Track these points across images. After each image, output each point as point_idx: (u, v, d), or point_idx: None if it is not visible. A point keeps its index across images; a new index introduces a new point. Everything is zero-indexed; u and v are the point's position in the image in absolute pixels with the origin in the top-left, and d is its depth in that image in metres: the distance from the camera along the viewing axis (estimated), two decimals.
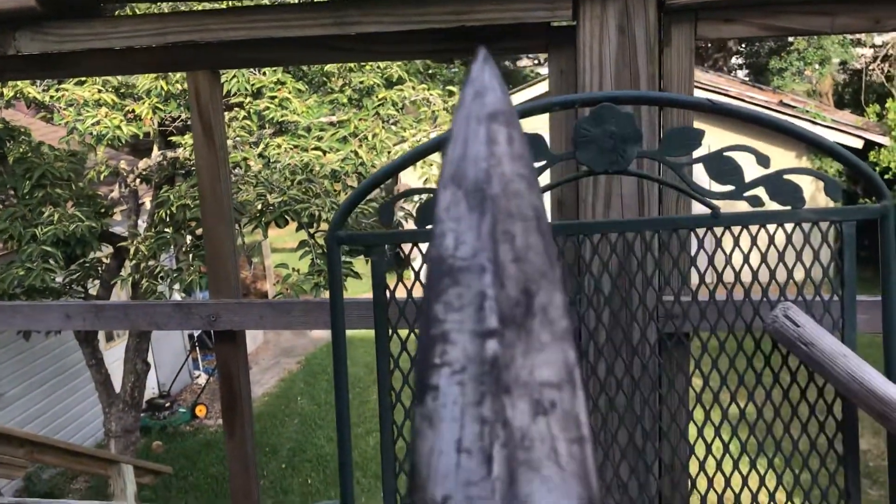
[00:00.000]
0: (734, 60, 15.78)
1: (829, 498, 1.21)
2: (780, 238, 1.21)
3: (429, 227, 1.20)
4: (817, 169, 8.62)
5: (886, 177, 9.23)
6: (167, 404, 7.91)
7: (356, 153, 4.21)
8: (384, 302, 1.21)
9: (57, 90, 4.34)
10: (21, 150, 4.62)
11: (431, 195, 1.18)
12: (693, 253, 1.23)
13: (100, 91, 4.33)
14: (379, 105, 4.45)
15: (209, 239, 1.68)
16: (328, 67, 4.50)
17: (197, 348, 8.81)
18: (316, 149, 4.28)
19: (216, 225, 1.66)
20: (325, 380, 8.75)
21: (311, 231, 4.31)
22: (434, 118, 4.79)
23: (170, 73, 4.16)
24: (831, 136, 8.63)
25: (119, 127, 4.28)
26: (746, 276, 1.22)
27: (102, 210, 5.25)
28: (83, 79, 4.33)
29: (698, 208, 1.26)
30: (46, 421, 7.24)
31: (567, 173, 1.26)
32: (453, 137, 0.39)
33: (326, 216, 3.96)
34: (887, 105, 9.74)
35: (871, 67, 12.61)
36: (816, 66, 12.59)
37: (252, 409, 1.79)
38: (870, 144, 9.44)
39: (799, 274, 1.22)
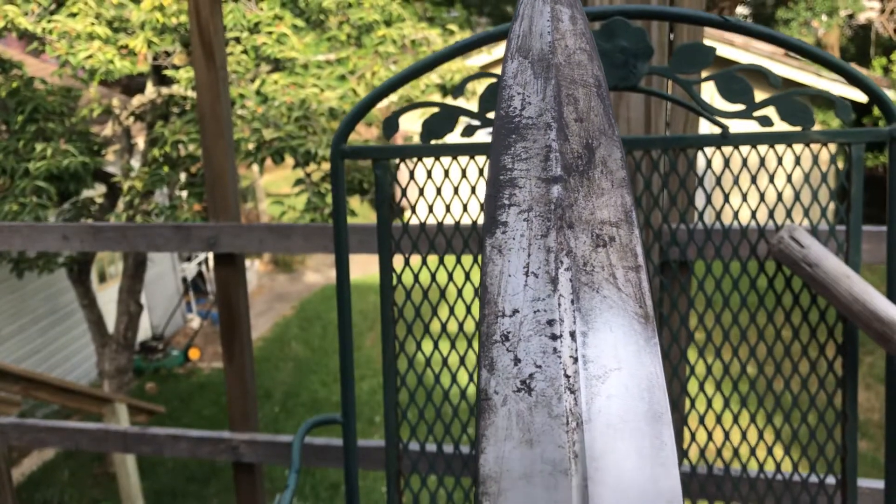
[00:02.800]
0: (739, 10, 15.60)
1: (826, 419, 1.22)
2: (788, 162, 1.20)
3: (433, 142, 1.18)
4: (821, 124, 8.59)
5: None
6: (160, 347, 7.94)
7: (354, 91, 4.16)
8: (388, 217, 1.20)
9: (49, 21, 4.25)
10: (14, 85, 4.54)
11: (438, 109, 1.16)
12: (701, 173, 1.22)
13: (93, 24, 4.24)
14: (378, 43, 4.37)
15: (208, 161, 1.66)
16: (326, 3, 4.41)
17: (190, 292, 8.82)
18: (313, 86, 4.23)
19: (215, 146, 1.64)
20: (319, 325, 8.79)
21: (308, 170, 4.28)
22: None
23: (166, 4, 4.08)
24: (836, 89, 8.57)
25: (112, 61, 4.21)
26: (754, 201, 1.21)
27: (96, 148, 5.19)
28: (75, 10, 4.24)
29: (706, 132, 1.24)
30: (40, 360, 7.27)
31: None
32: (519, 16, 0.44)
33: (323, 153, 3.92)
34: (893, 59, 9.66)
35: (878, 21, 12.48)
36: (824, 17, 12.44)
37: (251, 334, 1.79)
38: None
39: (806, 198, 1.21)
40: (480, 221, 1.28)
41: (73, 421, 7.46)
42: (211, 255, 8.53)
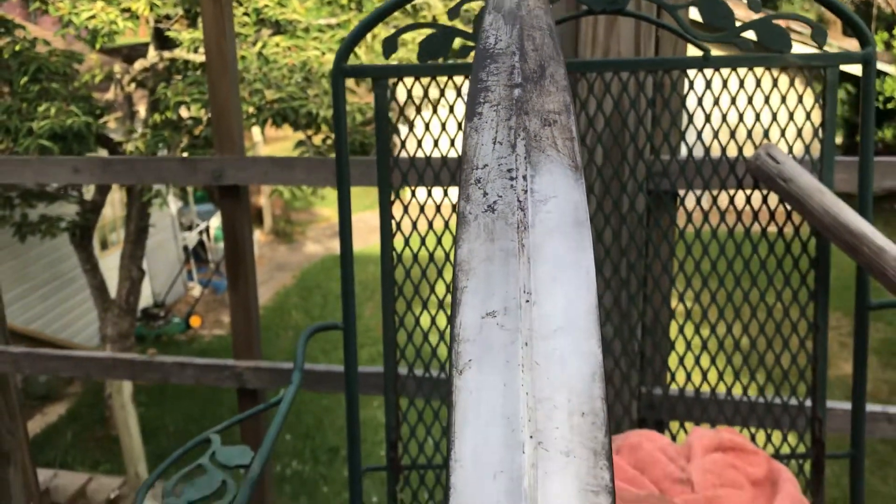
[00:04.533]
0: None
1: (799, 330, 1.29)
2: (766, 85, 1.27)
3: (430, 62, 1.24)
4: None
5: (890, 105, 9.26)
6: (162, 314, 8.02)
7: (356, 54, 4.20)
8: (387, 133, 1.26)
9: None
10: (17, 48, 4.59)
11: (434, 30, 1.22)
12: (684, 94, 1.29)
13: None
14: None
15: (213, 96, 1.72)
16: None
17: (191, 260, 8.89)
18: (315, 49, 4.27)
19: (220, 81, 1.70)
20: (319, 295, 8.87)
21: (309, 133, 4.33)
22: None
23: None
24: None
25: (115, 22, 4.25)
26: (734, 123, 1.28)
27: (98, 112, 5.24)
28: None
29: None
30: (43, 325, 7.35)
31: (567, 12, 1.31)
32: None
33: (325, 114, 3.98)
34: (895, 34, 9.68)
35: None
36: None
37: (255, 264, 1.86)
38: (876, 73, 9.41)
39: (783, 119, 1.28)
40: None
41: (76, 386, 7.57)
42: (212, 224, 8.57)
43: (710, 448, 1.21)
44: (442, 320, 1.32)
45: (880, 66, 9.50)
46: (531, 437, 0.36)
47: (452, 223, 1.38)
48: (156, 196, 5.07)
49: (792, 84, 1.26)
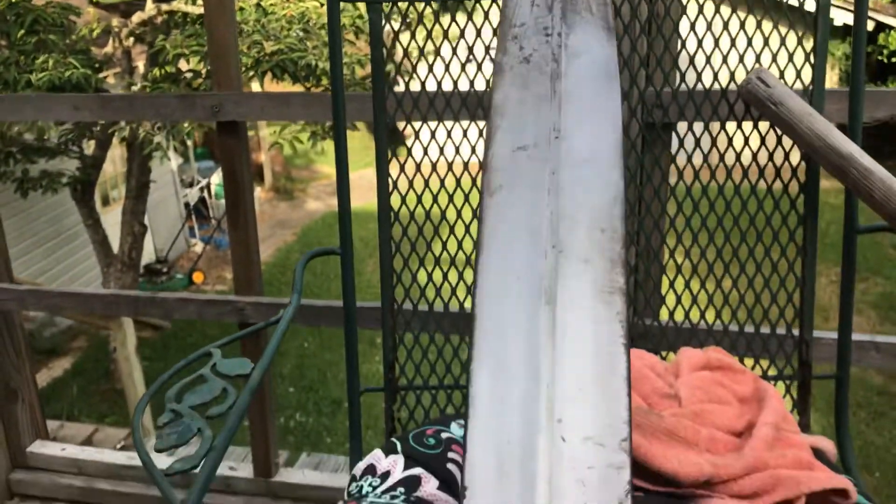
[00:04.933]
0: None
1: (788, 253, 1.32)
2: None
3: None
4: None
5: (894, 59, 9.18)
6: (164, 270, 8.06)
7: (354, 5, 4.17)
8: (382, 59, 1.28)
9: None
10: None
11: None
12: (677, 19, 1.30)
13: None
14: None
15: (211, 33, 1.73)
16: None
17: (193, 217, 8.91)
18: (313, 0, 4.24)
19: (219, 18, 1.70)
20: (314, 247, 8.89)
21: (308, 85, 4.32)
22: None
23: None
24: (841, 16, 8.51)
25: None
26: (729, 57, 1.29)
27: (97, 66, 5.22)
28: None
29: None
30: (47, 281, 7.40)
31: None
32: None
33: (324, 66, 3.96)
34: None
35: None
36: None
37: (254, 201, 1.88)
38: (880, 26, 9.33)
39: (775, 46, 1.29)
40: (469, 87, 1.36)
41: (80, 340, 7.65)
42: (213, 179, 8.56)
43: (699, 366, 1.24)
44: (438, 247, 1.35)
45: (886, 19, 9.40)
46: (553, 246, 0.39)
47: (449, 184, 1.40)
48: (156, 149, 5.07)
49: (784, 11, 1.27)
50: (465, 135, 1.35)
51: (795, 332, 1.34)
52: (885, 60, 9.36)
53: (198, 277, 8.14)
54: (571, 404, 0.32)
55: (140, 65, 6.27)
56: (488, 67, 1.32)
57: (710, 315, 1.40)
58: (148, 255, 8.19)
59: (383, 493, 1.14)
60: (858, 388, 6.38)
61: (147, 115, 1.77)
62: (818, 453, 1.18)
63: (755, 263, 1.32)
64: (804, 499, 1.03)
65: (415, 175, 1.35)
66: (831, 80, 9.99)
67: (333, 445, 5.95)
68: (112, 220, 7.51)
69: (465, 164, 1.34)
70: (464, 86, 1.34)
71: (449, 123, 1.35)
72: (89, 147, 6.36)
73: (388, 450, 1.21)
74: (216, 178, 9.51)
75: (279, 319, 1.18)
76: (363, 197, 9.17)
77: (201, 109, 1.73)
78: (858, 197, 1.24)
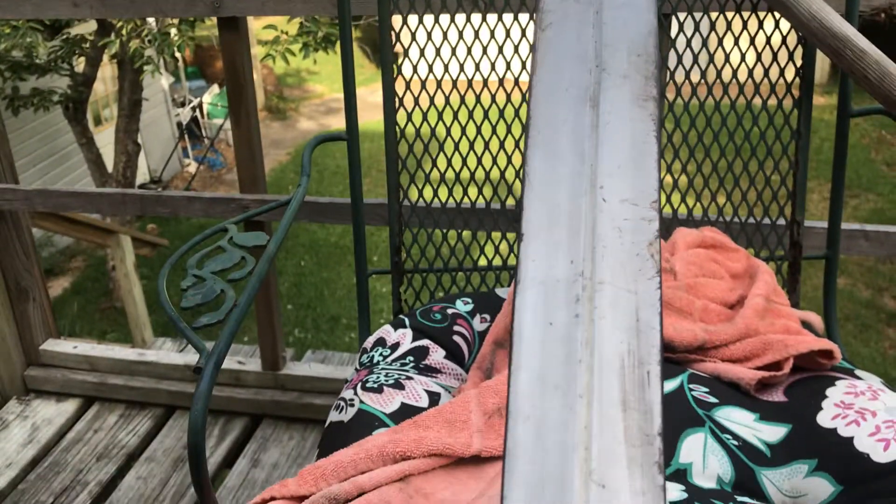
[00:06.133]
0: None
1: (783, 137, 1.35)
2: None
3: None
4: None
5: None
6: (159, 189, 8.05)
7: None
8: None
9: None
10: None
11: None
12: None
13: None
14: None
15: None
16: None
17: (186, 137, 8.86)
18: None
19: None
20: (314, 171, 8.89)
21: None
22: None
23: None
24: None
25: None
26: None
27: None
28: None
29: None
30: None
31: None
32: None
33: None
34: None
35: None
36: None
37: (256, 98, 1.89)
38: None
39: None
40: None
41: (77, 261, 7.70)
42: (205, 99, 8.47)
43: (694, 244, 1.30)
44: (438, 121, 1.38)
45: None
46: (597, 66, 0.44)
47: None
48: (147, 63, 5.02)
49: None
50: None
51: (788, 205, 1.39)
52: None
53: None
54: (610, 177, 0.37)
55: None
56: None
57: (706, 201, 1.45)
58: (142, 176, 8.18)
59: (393, 361, 1.21)
60: (846, 301, 6.51)
61: (147, 12, 1.77)
62: (806, 326, 1.24)
63: (750, 147, 1.36)
64: (792, 361, 1.10)
65: (418, 61, 1.37)
66: None
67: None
68: (105, 140, 7.47)
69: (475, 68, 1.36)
70: None
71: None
72: (79, 64, 6.29)
73: (397, 325, 1.27)
74: (208, 98, 9.42)
75: (290, 200, 1.22)
76: (358, 117, 9.13)
77: (202, 5, 1.73)
78: (853, 79, 1.26)
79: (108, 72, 7.94)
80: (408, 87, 1.38)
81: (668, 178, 1.47)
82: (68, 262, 7.71)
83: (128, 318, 6.02)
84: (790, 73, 1.33)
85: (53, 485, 1.91)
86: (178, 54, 5.24)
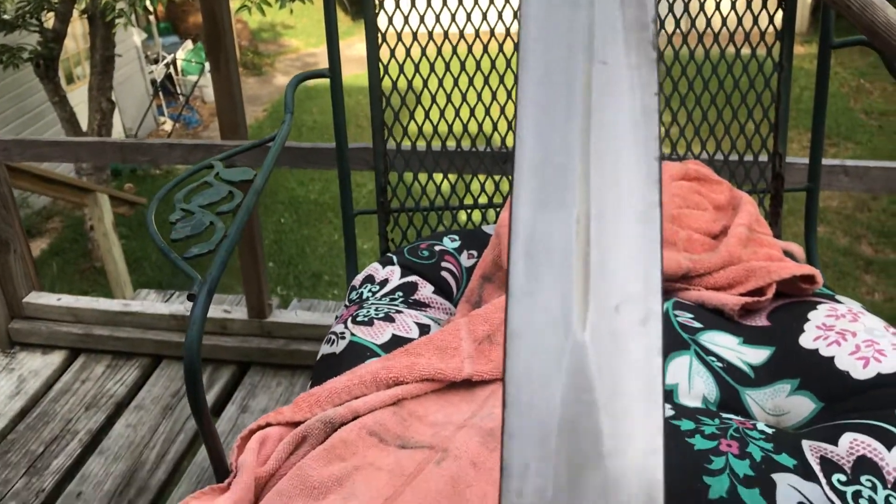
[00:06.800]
0: None
1: (765, 70, 1.36)
2: None
3: None
4: None
5: None
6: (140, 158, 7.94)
7: None
8: None
9: None
10: None
11: None
12: None
13: None
14: None
15: None
16: None
17: (160, 94, 8.73)
18: None
19: None
20: (293, 128, 8.80)
21: None
22: None
23: None
24: None
25: None
26: None
27: None
28: None
29: None
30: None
31: None
32: None
33: None
34: None
35: None
36: None
37: (235, 45, 1.87)
38: None
39: None
40: None
41: (55, 222, 7.62)
42: (179, 55, 8.32)
43: (677, 176, 1.31)
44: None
45: None
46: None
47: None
48: (119, 16, 4.92)
49: None
50: None
51: (770, 147, 1.41)
52: None
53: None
54: (609, 87, 0.35)
55: None
56: None
57: (689, 135, 1.45)
58: (117, 134, 8.06)
59: (383, 297, 1.22)
60: (825, 249, 6.59)
61: None
62: (788, 256, 1.26)
63: (733, 81, 1.37)
64: (775, 287, 1.12)
65: None
66: None
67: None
68: (78, 98, 7.34)
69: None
70: None
71: None
72: (48, 20, 6.15)
73: (385, 262, 1.27)
74: (182, 54, 9.26)
75: (275, 136, 1.21)
76: (344, 70, 9.02)
77: None
78: (835, 9, 1.27)
79: (78, 28, 7.77)
80: (390, 21, 1.37)
81: None
82: (45, 224, 7.63)
83: (108, 278, 5.98)
84: (773, 5, 1.33)
85: (43, 434, 1.91)
86: (150, 6, 5.13)
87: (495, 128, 1.42)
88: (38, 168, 5.80)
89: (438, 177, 1.44)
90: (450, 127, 1.43)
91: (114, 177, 7.70)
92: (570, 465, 0.26)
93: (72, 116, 6.44)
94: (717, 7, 1.34)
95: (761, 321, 1.10)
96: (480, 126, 1.45)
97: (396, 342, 1.07)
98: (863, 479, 0.80)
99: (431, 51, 1.38)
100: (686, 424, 0.87)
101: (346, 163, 1.39)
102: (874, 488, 0.79)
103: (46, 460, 1.84)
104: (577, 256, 0.29)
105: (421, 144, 1.44)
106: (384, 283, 1.23)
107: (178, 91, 8.94)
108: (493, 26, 1.38)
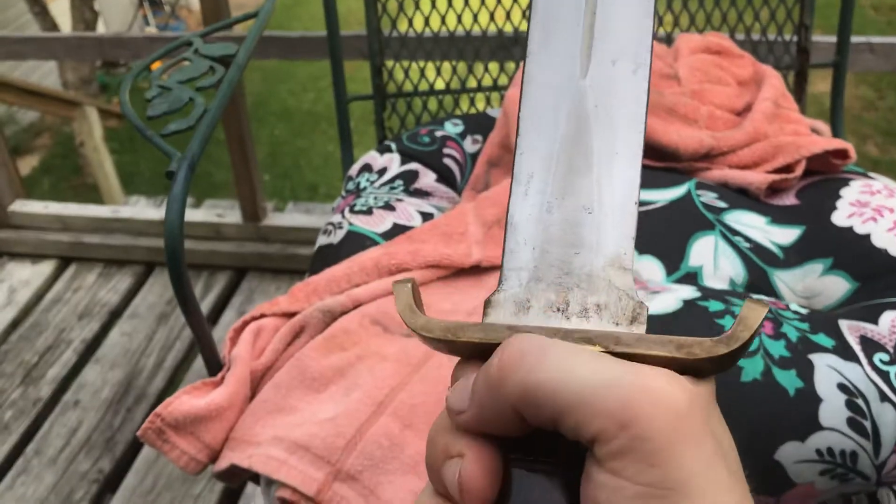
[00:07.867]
0: None
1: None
2: None
3: None
4: None
5: None
6: (122, 61, 7.73)
7: None
8: None
9: None
10: None
11: None
12: None
13: None
14: None
15: None
16: None
17: (146, 4, 8.43)
18: None
19: None
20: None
21: None
22: None
23: None
24: None
25: None
26: None
27: None
28: None
29: None
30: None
31: None
32: None
33: None
34: None
35: None
36: None
37: None
38: None
39: None
40: None
41: (44, 138, 7.47)
42: None
43: (698, 49, 1.21)
44: None
45: None
46: None
47: None
48: None
49: None
50: None
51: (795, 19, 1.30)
52: None
53: (155, 66, 7.82)
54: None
55: None
56: None
57: (709, 7, 1.35)
58: None
59: (382, 185, 1.13)
60: None
61: None
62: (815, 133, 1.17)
63: None
64: (804, 163, 1.04)
65: None
66: None
67: None
68: (59, 10, 7.07)
69: None
70: None
71: None
72: None
73: (383, 150, 1.18)
74: None
75: (259, 11, 1.11)
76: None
77: None
78: None
79: None
80: None
81: None
82: (34, 140, 7.48)
83: (101, 194, 5.89)
84: None
85: (37, 344, 1.86)
86: None
87: (492, 18, 1.31)
88: (25, 81, 5.64)
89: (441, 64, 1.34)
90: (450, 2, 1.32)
91: (102, 90, 7.50)
92: (566, 174, 0.33)
93: (54, 28, 6.22)
94: None
95: (789, 200, 1.02)
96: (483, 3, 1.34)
97: (398, 231, 1.00)
98: None
99: None
100: (714, 305, 0.80)
101: (338, 47, 1.28)
102: None
103: (42, 370, 1.79)
104: (584, 24, 0.34)
105: (422, 11, 1.33)
106: (383, 171, 1.15)
107: (164, 0, 8.62)
108: None
